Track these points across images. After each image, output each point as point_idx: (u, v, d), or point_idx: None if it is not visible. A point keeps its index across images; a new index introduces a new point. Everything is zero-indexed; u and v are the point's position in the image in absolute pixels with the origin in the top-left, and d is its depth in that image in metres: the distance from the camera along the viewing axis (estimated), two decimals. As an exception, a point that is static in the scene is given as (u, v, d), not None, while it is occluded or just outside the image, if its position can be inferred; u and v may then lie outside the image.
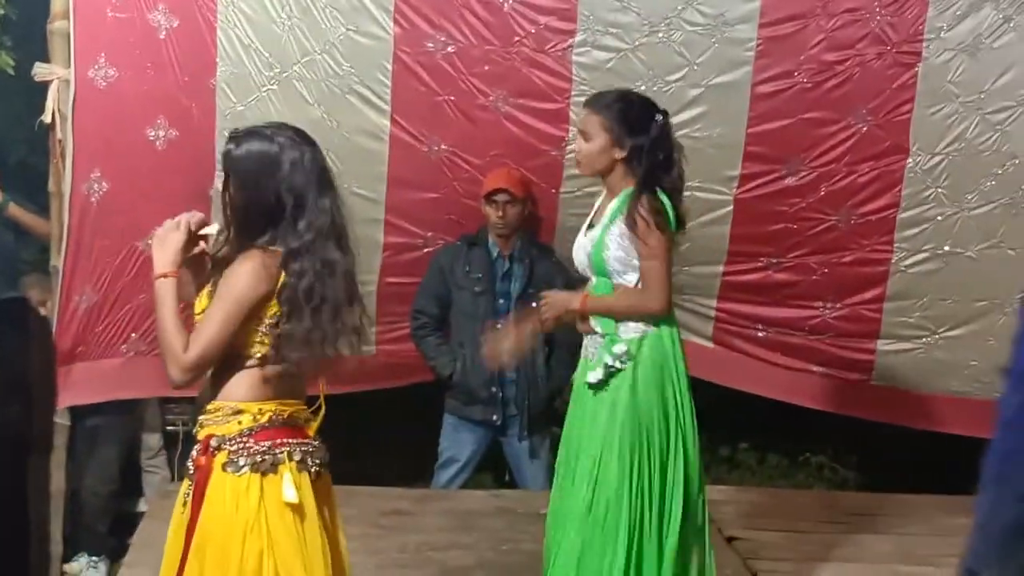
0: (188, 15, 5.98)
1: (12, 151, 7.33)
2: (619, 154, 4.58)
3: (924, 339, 6.42)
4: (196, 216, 3.70)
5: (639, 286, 4.55)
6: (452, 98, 6.12)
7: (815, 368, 6.58)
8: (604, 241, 4.58)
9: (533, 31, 6.06)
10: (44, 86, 5.92)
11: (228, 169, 3.63)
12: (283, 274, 3.52)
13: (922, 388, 6.54)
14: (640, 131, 4.55)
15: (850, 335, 6.49)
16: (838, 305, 6.43)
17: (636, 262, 4.54)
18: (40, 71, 5.94)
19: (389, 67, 6.07)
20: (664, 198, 4.50)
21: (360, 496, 5.98)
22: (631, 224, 4.48)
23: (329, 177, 3.66)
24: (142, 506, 6.70)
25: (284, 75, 6.04)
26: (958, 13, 5.98)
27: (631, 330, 4.56)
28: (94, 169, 5.97)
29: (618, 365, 4.54)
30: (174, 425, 6.76)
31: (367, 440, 6.91)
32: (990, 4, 5.99)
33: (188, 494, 3.63)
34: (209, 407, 3.63)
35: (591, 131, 4.63)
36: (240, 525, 3.53)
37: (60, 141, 5.93)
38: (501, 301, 6.33)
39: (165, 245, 3.61)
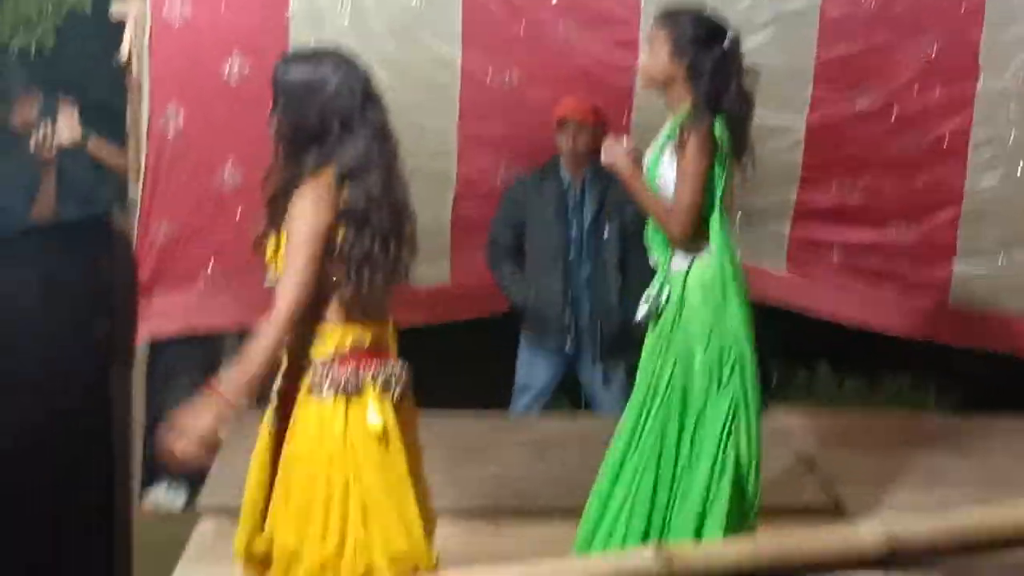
0: (261, -53, 6.01)
1: (91, 89, 7.38)
2: (678, 70, 4.54)
3: (1000, 259, 6.40)
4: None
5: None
6: (523, 29, 6.14)
7: (891, 291, 6.56)
8: (656, 167, 4.61)
9: (603, -41, 6.04)
10: (121, 25, 5.97)
11: (276, 93, 3.69)
12: (340, 199, 3.56)
13: (1000, 309, 6.51)
14: (702, 49, 4.50)
15: (926, 257, 6.47)
16: (912, 228, 6.42)
17: None
18: (117, 10, 6.00)
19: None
20: (719, 123, 4.48)
21: (438, 423, 6.02)
22: (678, 146, 4.48)
23: (376, 98, 3.69)
24: (221, 433, 6.81)
25: (357, 7, 6.09)
26: (1028, -75, 5.90)
27: (680, 262, 4.58)
28: (170, 103, 6.03)
29: (659, 304, 4.60)
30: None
31: (445, 369, 6.98)
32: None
33: (272, 419, 3.73)
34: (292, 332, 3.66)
35: (655, 43, 4.61)
36: (326, 452, 3.60)
37: (137, 78, 5.99)
38: (574, 229, 6.36)
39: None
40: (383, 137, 3.67)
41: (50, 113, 6.53)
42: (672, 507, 4.57)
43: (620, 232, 6.30)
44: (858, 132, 6.24)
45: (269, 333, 3.54)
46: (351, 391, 3.62)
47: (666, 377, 4.56)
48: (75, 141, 6.56)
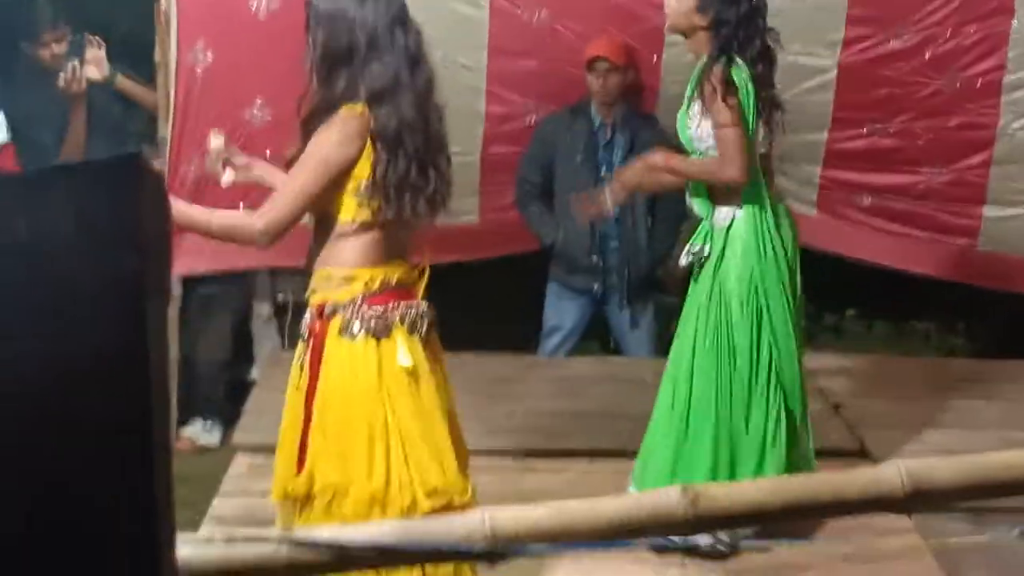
0: None
1: (118, 23, 7.38)
2: (701, 20, 4.54)
3: (1032, 203, 6.36)
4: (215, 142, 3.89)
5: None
6: (550, -32, 6.11)
7: (920, 234, 6.56)
8: (685, 120, 4.63)
9: None
10: (147, -42, 5.92)
11: (308, 16, 3.71)
12: (372, 123, 3.59)
13: (1030, 252, 6.50)
14: (727, 4, 4.49)
15: (956, 200, 6.45)
16: (944, 170, 6.38)
17: None
18: (144, -57, 5.97)
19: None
20: (739, 71, 4.47)
21: (468, 363, 6.09)
22: (701, 95, 4.50)
23: (409, 23, 3.71)
24: (254, 373, 6.87)
25: (385, -59, 6.05)
26: None
27: (723, 216, 4.62)
28: (198, 39, 6.02)
29: (701, 257, 4.65)
30: (284, 294, 6.89)
31: (474, 308, 6.99)
32: None
33: (304, 358, 3.76)
34: (321, 273, 3.74)
35: None
36: (361, 391, 3.66)
37: (165, 12, 5.97)
38: (603, 170, 6.34)
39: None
40: (415, 61, 3.68)
41: (78, 50, 6.53)
42: (734, 450, 4.63)
43: (650, 173, 6.28)
44: (890, 72, 6.20)
45: (236, 229, 3.74)
46: (380, 332, 3.67)
47: (712, 325, 4.60)
48: (103, 78, 6.57)
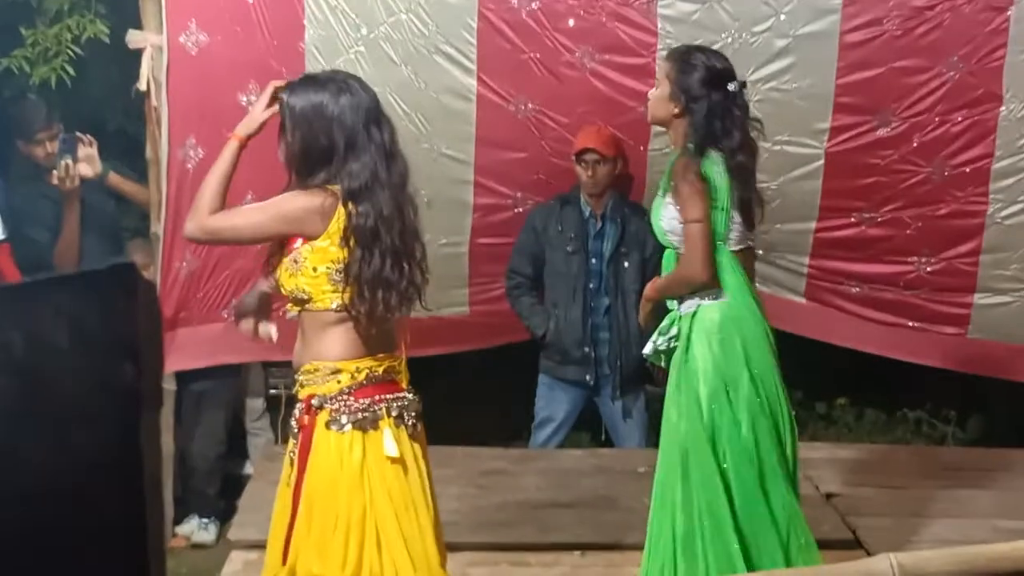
0: (275, -22, 6.05)
1: (110, 119, 7.43)
2: (675, 108, 4.56)
3: (1022, 291, 6.36)
4: (275, 83, 3.91)
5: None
6: (538, 55, 6.14)
7: (910, 323, 6.56)
8: (658, 209, 4.64)
9: (618, -16, 6.06)
10: (138, 53, 5.99)
11: (283, 115, 3.81)
12: (343, 214, 3.66)
13: (1020, 340, 6.49)
14: (700, 91, 4.52)
15: (946, 289, 6.45)
16: (933, 259, 6.40)
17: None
18: (133, 38, 6.01)
19: (474, 25, 6.10)
20: (712, 162, 4.48)
21: (459, 456, 6.09)
22: (673, 188, 4.51)
23: (383, 120, 3.79)
24: (248, 468, 6.86)
25: (371, 36, 6.08)
26: (1052, -47, 5.86)
27: (689, 305, 4.62)
28: (189, 135, 6.06)
29: (663, 347, 4.68)
30: (276, 388, 6.89)
31: (464, 401, 7.00)
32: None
33: (294, 452, 3.82)
34: (307, 367, 3.79)
35: (660, 79, 4.69)
36: (345, 481, 3.70)
37: (155, 108, 6.02)
38: (594, 260, 6.40)
39: (250, 113, 3.92)
40: (391, 156, 3.77)
41: (70, 147, 6.58)
42: (748, 535, 4.56)
43: (641, 263, 6.34)
44: (878, 160, 6.23)
45: (188, 224, 3.88)
46: (367, 424, 3.73)
47: (683, 413, 4.58)
48: (96, 174, 6.61)
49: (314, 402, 3.75)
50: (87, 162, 6.56)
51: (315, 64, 6.09)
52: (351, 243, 3.65)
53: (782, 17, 6.02)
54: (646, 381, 6.68)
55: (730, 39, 6.00)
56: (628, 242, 6.36)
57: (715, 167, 4.49)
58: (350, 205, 3.66)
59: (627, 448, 6.50)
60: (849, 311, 6.56)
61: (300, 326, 3.86)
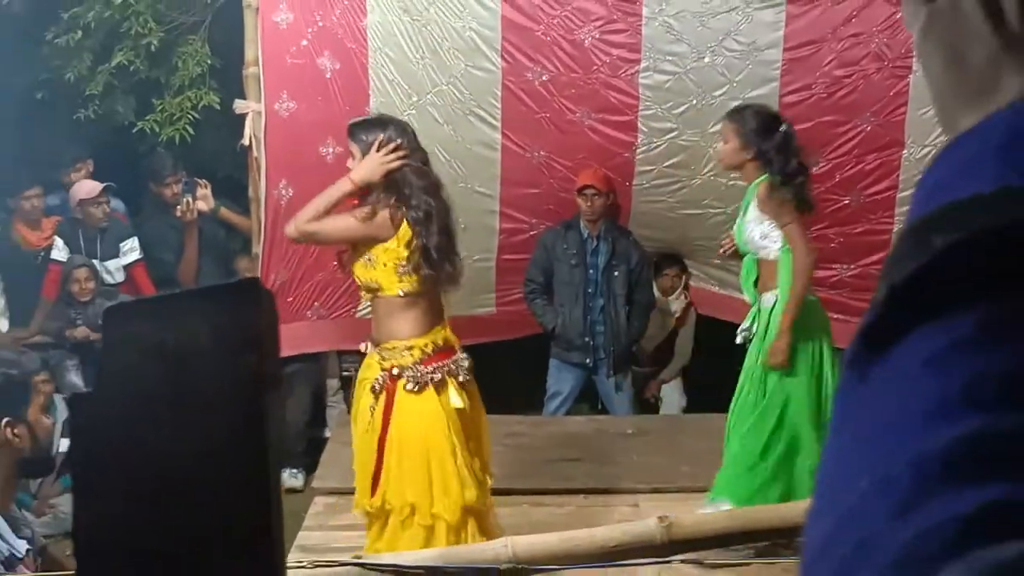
0: (346, 59, 6.08)
1: (220, 168, 7.48)
2: (747, 155, 4.64)
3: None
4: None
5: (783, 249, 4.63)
6: (548, 115, 6.16)
7: (835, 316, 6.52)
8: (742, 227, 4.71)
9: (608, 61, 6.07)
10: (242, 117, 6.03)
11: (353, 145, 3.96)
12: (404, 222, 3.79)
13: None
14: (765, 137, 4.60)
15: (862, 289, 6.39)
16: (852, 266, 6.37)
17: (773, 234, 4.62)
18: (239, 105, 6.06)
19: (499, 93, 6.11)
20: (783, 185, 4.57)
21: (488, 422, 6.08)
22: (762, 208, 4.58)
23: (424, 155, 3.96)
24: (327, 432, 6.86)
25: (420, 102, 6.10)
26: (941, 34, 5.85)
27: (767, 300, 4.70)
28: (282, 179, 6.08)
29: (751, 333, 4.73)
30: (348, 371, 6.89)
31: (491, 379, 6.98)
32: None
33: (372, 406, 3.88)
34: (387, 345, 3.87)
35: (725, 135, 4.75)
36: (423, 429, 3.82)
37: (256, 159, 6.04)
38: (591, 271, 6.39)
39: (368, 167, 3.90)
40: (430, 178, 3.96)
41: (190, 189, 6.63)
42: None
43: (627, 274, 6.36)
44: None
45: (289, 225, 4.01)
46: (437, 385, 3.83)
47: (767, 387, 4.65)
48: (210, 209, 6.65)
49: (395, 371, 3.82)
50: (203, 200, 6.61)
51: (377, 124, 6.11)
52: (413, 226, 3.78)
53: (735, 84, 6.01)
54: (632, 363, 6.70)
55: (695, 101, 6.00)
56: (617, 257, 6.36)
57: (783, 187, 4.59)
58: (407, 210, 3.81)
59: (618, 416, 6.49)
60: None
61: (374, 312, 3.97)
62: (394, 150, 3.82)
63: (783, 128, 4.65)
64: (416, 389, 3.80)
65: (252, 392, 0.93)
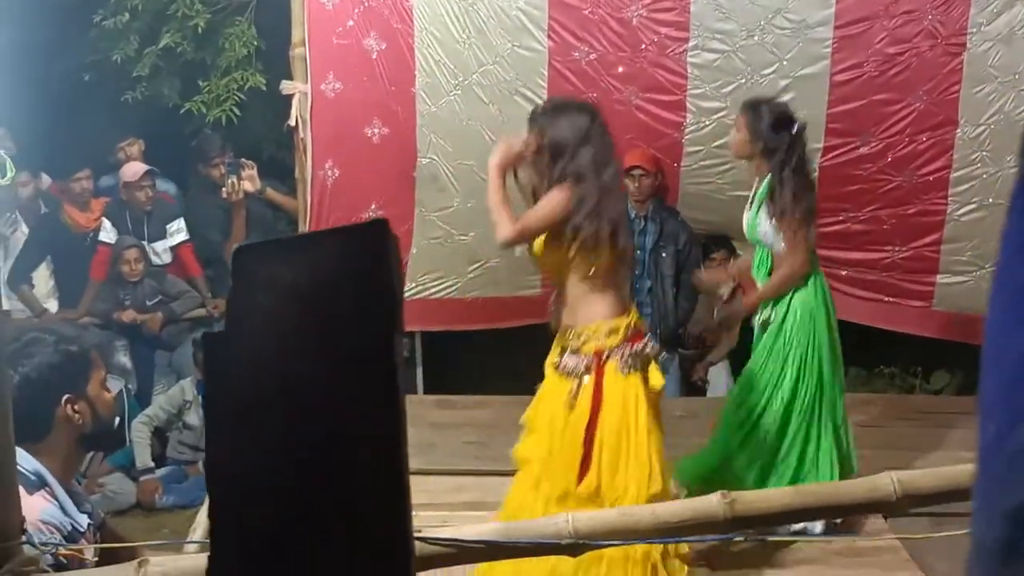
0: (392, 39, 6.09)
1: (266, 148, 7.53)
2: (755, 148, 4.72)
3: (974, 273, 6.26)
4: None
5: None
6: (594, 95, 6.07)
7: (886, 298, 6.51)
8: (755, 222, 4.77)
9: (656, 39, 6.05)
10: (288, 98, 6.06)
11: (535, 124, 3.99)
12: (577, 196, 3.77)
13: (974, 311, 6.44)
14: (774, 134, 4.67)
15: (914, 271, 6.39)
16: (904, 248, 6.33)
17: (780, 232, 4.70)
18: (285, 86, 6.09)
19: (545, 73, 6.10)
20: (782, 185, 4.65)
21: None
22: (771, 209, 4.65)
23: (590, 134, 3.92)
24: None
25: (466, 82, 6.11)
26: (995, 10, 5.81)
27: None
28: (328, 160, 6.10)
29: (768, 321, 4.81)
30: (407, 353, 6.95)
31: (538, 361, 7.00)
32: (1021, 2, 5.82)
33: (572, 390, 3.81)
34: (590, 327, 3.81)
35: (739, 126, 4.81)
36: (635, 414, 3.77)
37: (302, 139, 6.07)
38: (639, 252, 6.36)
39: (504, 152, 3.91)
40: (605, 163, 3.93)
41: (236, 169, 6.68)
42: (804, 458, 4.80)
43: (675, 255, 6.34)
44: (861, 172, 6.18)
45: (500, 235, 3.81)
46: (643, 366, 3.81)
47: (786, 370, 4.76)
48: (256, 190, 6.71)
49: (603, 353, 3.78)
50: (249, 181, 6.66)
51: (423, 105, 6.15)
52: (582, 212, 3.77)
53: (784, 63, 5.99)
54: (679, 345, 6.70)
55: (744, 80, 5.96)
56: (665, 238, 6.35)
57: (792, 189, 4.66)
58: (576, 193, 3.79)
59: (666, 398, 6.48)
60: (839, 289, 6.45)
61: (563, 296, 3.91)
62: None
63: (795, 129, 4.70)
64: (626, 370, 3.77)
65: (384, 330, 0.95)
